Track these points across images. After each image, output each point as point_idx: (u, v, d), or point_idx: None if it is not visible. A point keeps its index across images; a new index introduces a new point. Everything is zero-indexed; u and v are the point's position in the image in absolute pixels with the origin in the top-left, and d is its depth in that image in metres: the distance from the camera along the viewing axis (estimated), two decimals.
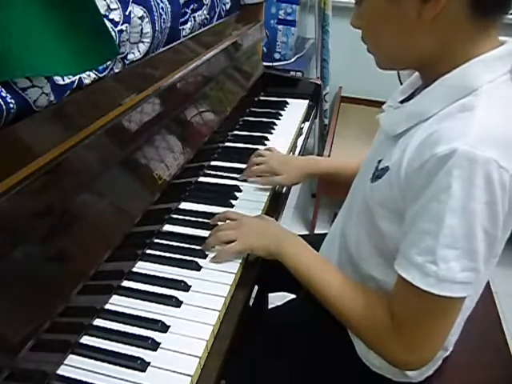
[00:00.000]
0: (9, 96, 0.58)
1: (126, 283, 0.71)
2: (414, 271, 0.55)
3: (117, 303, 0.67)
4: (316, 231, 1.99)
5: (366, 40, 0.63)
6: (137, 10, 0.84)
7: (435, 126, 0.55)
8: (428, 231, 0.53)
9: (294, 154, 1.17)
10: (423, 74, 0.64)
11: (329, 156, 1.85)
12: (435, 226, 0.53)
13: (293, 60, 2.11)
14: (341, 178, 0.96)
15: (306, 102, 1.44)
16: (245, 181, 0.99)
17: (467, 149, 0.50)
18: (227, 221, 0.80)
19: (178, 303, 0.67)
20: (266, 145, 1.15)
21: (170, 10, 0.95)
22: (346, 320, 0.66)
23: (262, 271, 0.79)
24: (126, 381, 0.56)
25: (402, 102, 0.67)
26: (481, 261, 0.53)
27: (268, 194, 0.95)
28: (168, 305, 0.67)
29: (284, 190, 1.01)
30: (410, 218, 0.56)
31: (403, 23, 0.57)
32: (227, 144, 1.15)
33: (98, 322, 0.64)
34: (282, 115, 1.34)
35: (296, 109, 1.39)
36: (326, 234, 0.88)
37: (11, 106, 0.59)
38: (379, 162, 0.65)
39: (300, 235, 0.78)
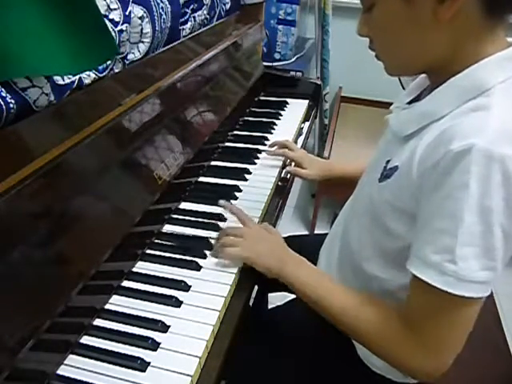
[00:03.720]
0: (9, 96, 0.58)
1: (126, 283, 0.71)
2: (430, 271, 0.54)
3: (117, 303, 0.67)
4: (316, 231, 1.99)
5: (375, 47, 0.62)
6: (137, 10, 0.84)
7: (448, 123, 0.55)
8: (445, 230, 0.52)
9: None
10: (432, 76, 0.63)
11: (328, 156, 1.86)
12: (453, 223, 0.51)
13: (293, 60, 2.11)
14: (353, 180, 0.97)
15: (306, 102, 1.44)
16: (244, 180, 0.99)
17: (485, 145, 0.49)
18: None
19: (178, 303, 0.67)
20: (265, 145, 1.15)
21: (169, 10, 0.95)
22: (360, 336, 0.64)
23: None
24: (126, 381, 0.56)
25: (409, 102, 0.67)
26: (499, 259, 0.52)
27: (268, 194, 0.95)
28: (168, 305, 0.67)
29: (284, 190, 1.02)
30: (425, 216, 0.55)
31: (418, 25, 0.56)
32: (227, 144, 1.15)
33: (98, 322, 0.64)
34: (281, 115, 1.34)
35: (296, 109, 1.39)
36: (326, 234, 0.88)
37: (11, 106, 0.59)
38: (387, 162, 0.64)
39: (300, 235, 0.78)
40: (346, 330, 0.65)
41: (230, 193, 0.94)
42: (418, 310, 0.58)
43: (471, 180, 0.50)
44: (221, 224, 0.84)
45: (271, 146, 1.12)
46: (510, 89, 0.54)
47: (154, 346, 0.60)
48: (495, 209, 0.50)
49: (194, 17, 1.13)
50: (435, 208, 0.54)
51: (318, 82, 1.52)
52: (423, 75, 0.67)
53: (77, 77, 0.70)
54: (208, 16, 1.21)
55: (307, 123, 1.34)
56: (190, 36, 1.08)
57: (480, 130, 0.51)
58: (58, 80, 0.67)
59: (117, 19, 0.77)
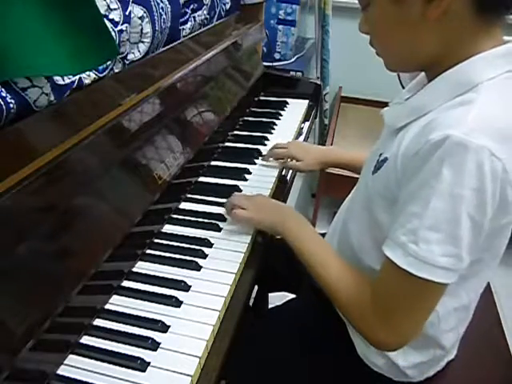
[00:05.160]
0: (9, 96, 0.58)
1: (126, 283, 0.71)
2: (397, 250, 0.56)
3: (117, 303, 0.67)
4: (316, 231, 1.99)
5: (374, 44, 0.64)
6: (137, 10, 0.84)
7: (433, 116, 0.56)
8: (414, 213, 0.54)
9: None
10: (428, 72, 0.64)
11: None
12: (421, 208, 0.53)
13: (293, 60, 2.11)
14: (357, 168, 0.98)
15: (306, 102, 1.44)
16: (244, 180, 0.99)
17: (460, 135, 0.50)
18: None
19: (178, 303, 0.67)
20: (265, 145, 1.15)
21: (169, 9, 0.95)
22: (335, 294, 0.67)
23: (262, 271, 0.79)
24: (126, 381, 0.56)
25: (407, 99, 0.68)
26: (464, 248, 0.53)
27: (268, 194, 0.95)
28: (168, 305, 0.67)
29: (284, 190, 1.02)
30: (402, 202, 0.58)
31: (408, 24, 0.57)
32: (227, 144, 1.15)
33: (98, 322, 0.64)
34: (282, 115, 1.34)
35: (296, 109, 1.39)
36: (326, 234, 0.88)
37: (11, 106, 0.59)
38: (380, 154, 0.66)
39: None
40: (326, 288, 0.68)
41: (230, 193, 0.93)
42: (383, 287, 0.61)
43: (444, 168, 0.51)
44: (221, 224, 0.84)
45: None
46: (498, 85, 0.55)
47: (154, 345, 0.60)
48: (465, 198, 0.51)
49: (194, 17, 1.13)
50: (411, 194, 0.55)
51: (318, 82, 1.52)
52: (423, 73, 0.68)
53: (77, 77, 0.70)
54: (208, 16, 1.21)
55: (307, 123, 1.34)
56: (190, 36, 1.08)
57: (458, 121, 0.52)
58: (58, 80, 0.67)
59: (117, 19, 0.77)
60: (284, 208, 0.82)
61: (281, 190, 1.01)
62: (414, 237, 0.54)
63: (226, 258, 0.76)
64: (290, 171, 1.07)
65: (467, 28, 0.55)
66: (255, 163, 1.06)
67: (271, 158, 1.06)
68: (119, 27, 0.78)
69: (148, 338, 0.61)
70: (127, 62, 0.85)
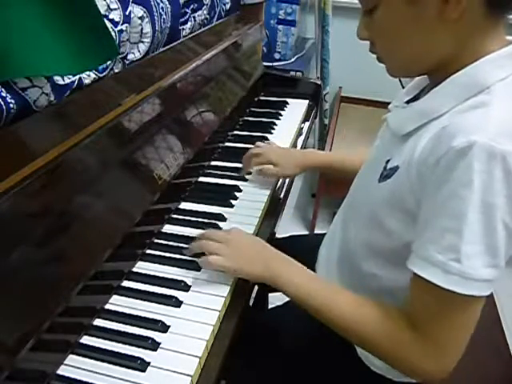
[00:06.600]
0: (9, 96, 0.58)
1: (126, 283, 0.71)
2: (434, 270, 0.53)
3: (117, 303, 0.67)
4: (316, 231, 1.99)
5: (377, 49, 0.62)
6: (137, 10, 0.84)
7: (448, 121, 0.54)
8: (449, 228, 0.52)
9: None
10: (432, 75, 0.63)
11: None
12: (457, 222, 0.51)
13: (293, 60, 2.11)
14: (340, 171, 0.98)
15: (306, 102, 1.44)
16: (244, 180, 0.99)
17: (486, 141, 0.49)
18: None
19: (177, 303, 0.67)
20: None
21: (169, 10, 0.95)
22: (361, 339, 0.63)
23: None
24: (126, 381, 0.56)
25: (407, 102, 0.67)
26: (501, 256, 0.52)
27: (268, 193, 0.95)
28: (168, 305, 0.67)
29: (284, 190, 1.02)
30: (427, 215, 0.55)
31: (423, 26, 0.56)
32: (227, 144, 1.15)
33: (98, 322, 0.64)
34: (281, 115, 1.34)
35: (296, 109, 1.39)
36: (326, 234, 0.88)
37: (11, 106, 0.59)
38: (387, 161, 0.64)
39: (300, 235, 0.78)
40: (349, 334, 0.64)
41: (229, 193, 0.94)
42: (422, 310, 0.57)
43: (474, 177, 0.49)
44: (221, 224, 0.84)
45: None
46: (511, 86, 0.54)
47: (154, 345, 0.60)
48: (498, 206, 0.50)
49: (194, 17, 1.13)
50: (439, 206, 0.53)
51: (318, 82, 1.52)
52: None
53: (77, 77, 0.70)
54: (208, 16, 1.21)
55: (307, 123, 1.34)
56: (190, 36, 1.08)
57: (481, 126, 0.50)
58: (58, 80, 0.67)
59: (117, 19, 0.77)
60: (264, 254, 0.71)
61: (280, 190, 1.01)
62: (455, 254, 0.51)
63: None
64: None
65: (478, 28, 0.54)
66: None
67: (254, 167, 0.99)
68: (119, 27, 0.78)
69: (148, 338, 0.61)
70: (127, 62, 0.85)
